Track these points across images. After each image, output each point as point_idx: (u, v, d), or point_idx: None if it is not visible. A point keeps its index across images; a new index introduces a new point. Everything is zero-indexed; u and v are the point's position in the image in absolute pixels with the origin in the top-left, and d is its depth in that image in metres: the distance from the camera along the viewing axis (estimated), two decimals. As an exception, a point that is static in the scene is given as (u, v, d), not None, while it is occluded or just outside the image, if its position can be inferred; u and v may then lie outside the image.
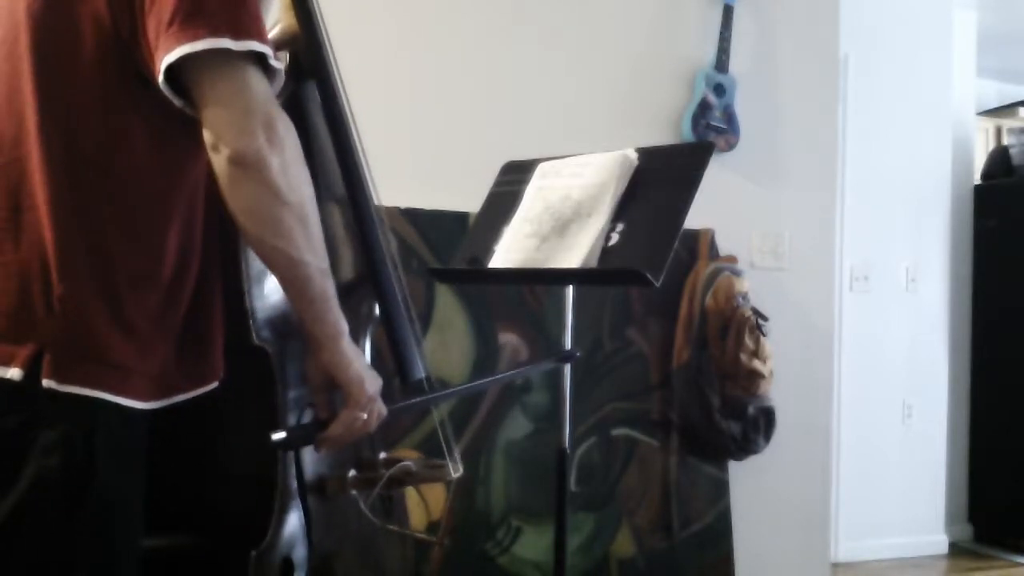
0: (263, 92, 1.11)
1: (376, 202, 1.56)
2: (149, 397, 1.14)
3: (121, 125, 1.12)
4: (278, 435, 1.26)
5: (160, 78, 1.06)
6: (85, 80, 1.10)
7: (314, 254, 1.18)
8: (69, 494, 1.08)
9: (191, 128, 1.14)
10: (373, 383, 1.31)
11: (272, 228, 1.13)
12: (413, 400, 1.54)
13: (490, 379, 1.57)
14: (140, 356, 1.13)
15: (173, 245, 1.18)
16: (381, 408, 1.33)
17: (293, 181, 1.13)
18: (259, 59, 1.11)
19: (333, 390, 1.31)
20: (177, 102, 1.10)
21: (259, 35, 1.10)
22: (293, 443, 1.30)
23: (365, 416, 1.31)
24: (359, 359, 1.30)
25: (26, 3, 1.12)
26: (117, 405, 1.10)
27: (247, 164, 1.08)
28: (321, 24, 1.51)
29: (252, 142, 1.08)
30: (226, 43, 1.06)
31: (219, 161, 1.09)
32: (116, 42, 1.10)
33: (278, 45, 1.51)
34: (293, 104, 1.45)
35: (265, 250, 1.16)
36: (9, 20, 1.14)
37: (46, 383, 1.06)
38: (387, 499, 1.54)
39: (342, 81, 1.54)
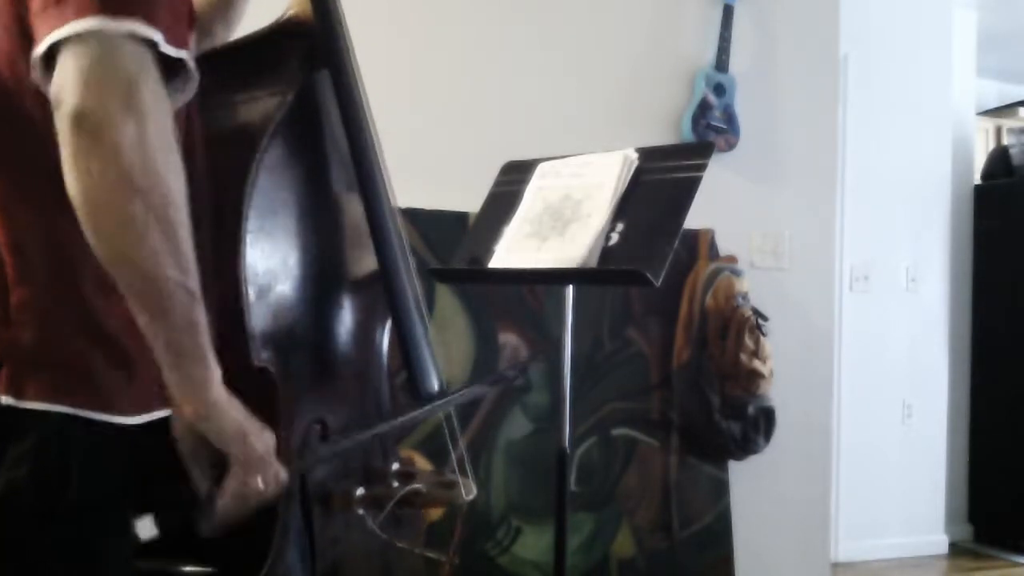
0: (135, 59, 0.89)
1: (393, 201, 1.47)
2: (126, 410, 1.04)
3: (44, 119, 0.97)
4: (148, 532, 1.05)
5: (37, 72, 0.91)
6: (5, 79, 1.00)
7: (179, 269, 0.93)
8: (40, 506, 0.99)
9: None
10: (260, 439, 1.08)
11: (117, 221, 0.88)
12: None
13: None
14: (118, 369, 1.02)
15: None
16: (279, 470, 1.11)
17: (152, 164, 0.89)
18: (153, 46, 0.92)
19: (206, 456, 1.08)
20: (44, 86, 0.93)
21: (147, 16, 0.90)
22: (171, 530, 1.08)
23: (260, 483, 1.08)
24: (237, 409, 1.05)
25: None
26: (88, 418, 1.00)
27: (90, 126, 0.86)
28: (337, 9, 1.44)
29: (100, 99, 0.86)
30: (94, 22, 0.87)
31: (59, 123, 0.88)
32: (22, 39, 0.97)
33: (290, 32, 1.43)
34: (306, 94, 1.37)
35: (107, 253, 0.91)
36: None
37: (4, 400, 0.96)
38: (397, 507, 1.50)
39: (359, 71, 1.47)
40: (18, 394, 0.97)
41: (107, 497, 1.03)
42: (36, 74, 0.91)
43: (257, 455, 1.07)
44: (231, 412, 1.04)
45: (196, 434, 1.04)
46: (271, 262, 1.25)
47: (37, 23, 0.90)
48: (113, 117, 0.86)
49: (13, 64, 0.97)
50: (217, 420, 1.03)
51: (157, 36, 0.90)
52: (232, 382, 1.11)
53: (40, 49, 0.89)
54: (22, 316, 0.98)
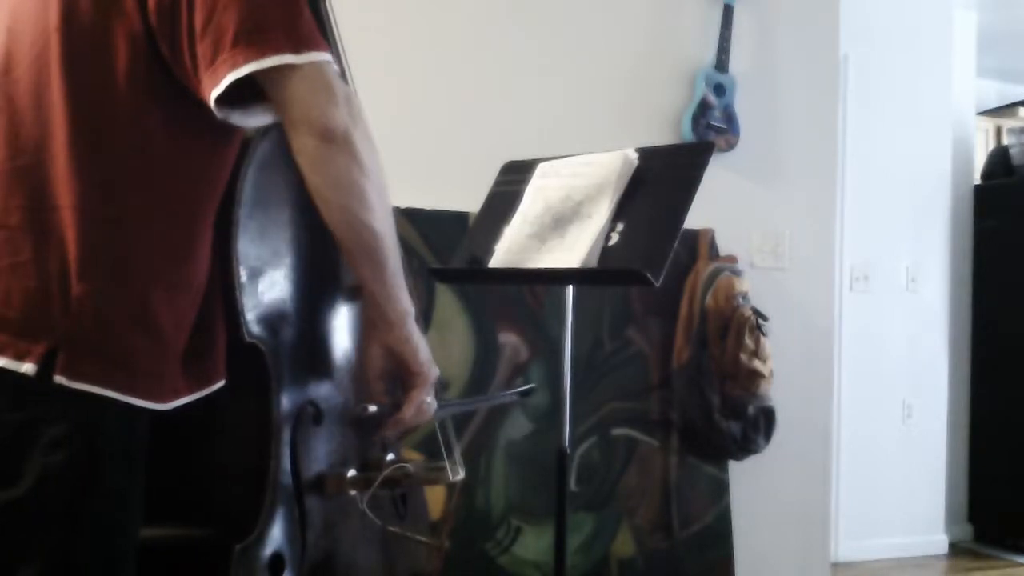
0: (336, 73, 1.17)
1: (405, 204, 1.55)
2: (160, 399, 1.16)
3: (151, 134, 1.14)
4: (372, 407, 1.34)
5: (218, 91, 1.10)
6: (117, 91, 1.12)
7: (391, 228, 1.24)
8: (74, 490, 1.09)
9: (221, 136, 1.19)
10: (435, 366, 1.36)
11: (360, 200, 1.18)
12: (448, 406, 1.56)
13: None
14: (159, 359, 1.15)
15: (204, 250, 1.21)
16: (433, 400, 1.38)
17: (371, 155, 1.19)
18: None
19: (393, 378, 1.34)
20: (220, 114, 1.13)
21: (319, 45, 1.15)
22: (372, 419, 1.36)
23: (431, 400, 1.35)
24: (423, 339, 1.34)
25: (59, 13, 1.14)
26: (126, 404, 1.11)
27: (337, 137, 1.14)
28: (333, 26, 1.52)
29: (340, 117, 1.14)
30: (288, 59, 1.11)
31: (309, 140, 1.14)
32: (151, 57, 1.12)
33: None
34: None
35: (353, 223, 1.19)
36: (37, 27, 1.16)
37: (57, 379, 1.07)
38: (401, 500, 1.52)
39: (350, 74, 1.53)
40: (71, 375, 1.08)
41: (132, 476, 1.15)
42: (213, 92, 1.09)
43: (434, 378, 1.35)
44: (423, 339, 1.33)
45: (390, 358, 1.32)
46: (262, 249, 1.33)
47: (231, 51, 1.08)
48: (349, 128, 1.15)
49: (130, 76, 1.12)
50: (416, 343, 1.31)
51: (330, 58, 1.17)
52: (227, 355, 1.26)
53: (234, 75, 1.08)
54: (82, 307, 1.10)
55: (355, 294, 1.48)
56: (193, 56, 1.11)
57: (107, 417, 1.11)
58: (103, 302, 1.10)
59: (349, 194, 1.17)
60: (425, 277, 2.64)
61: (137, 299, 1.13)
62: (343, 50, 1.53)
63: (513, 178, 1.85)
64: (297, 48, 1.11)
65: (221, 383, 1.27)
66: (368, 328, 1.33)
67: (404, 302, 1.29)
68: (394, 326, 1.29)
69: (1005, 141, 5.02)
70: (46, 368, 1.07)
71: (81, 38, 1.13)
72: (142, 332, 1.13)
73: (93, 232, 1.11)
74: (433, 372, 1.35)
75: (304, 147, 1.14)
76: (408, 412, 1.34)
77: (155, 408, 1.15)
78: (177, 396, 1.19)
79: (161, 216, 1.16)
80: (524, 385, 2.82)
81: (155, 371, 1.15)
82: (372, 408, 1.36)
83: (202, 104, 1.13)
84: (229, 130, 1.21)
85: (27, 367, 1.07)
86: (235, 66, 1.08)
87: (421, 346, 1.33)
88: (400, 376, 1.35)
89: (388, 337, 1.30)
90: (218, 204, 1.25)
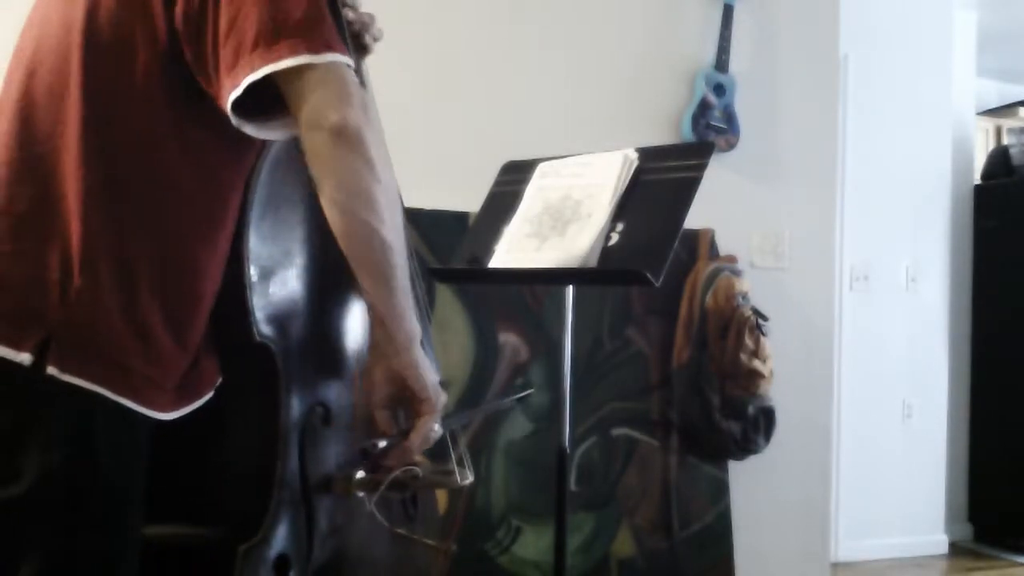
0: (354, 78, 1.15)
1: (405, 203, 1.54)
2: (155, 406, 1.15)
3: (162, 136, 1.14)
4: (382, 442, 1.26)
5: (237, 92, 1.09)
6: (132, 90, 1.13)
7: (400, 241, 1.19)
8: (73, 488, 1.09)
9: (236, 146, 1.19)
10: (442, 394, 1.29)
11: (367, 203, 1.14)
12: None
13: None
14: (153, 364, 1.14)
15: (211, 265, 1.20)
16: (439, 428, 1.30)
17: (385, 166, 1.16)
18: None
19: (396, 406, 1.28)
20: (235, 121, 1.13)
21: (339, 48, 1.14)
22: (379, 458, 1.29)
23: (438, 428, 1.27)
24: (429, 364, 1.27)
25: (84, 8, 1.14)
26: (121, 405, 1.10)
27: (349, 136, 1.11)
28: (346, 25, 1.51)
29: (354, 115, 1.11)
30: (305, 59, 1.10)
31: (320, 137, 1.11)
32: (171, 60, 1.13)
33: None
34: None
35: (361, 230, 1.15)
36: (62, 20, 1.16)
37: (49, 370, 1.07)
38: (412, 501, 1.51)
39: (368, 75, 1.55)
40: (62, 367, 1.07)
41: (131, 476, 1.15)
42: (231, 94, 1.09)
43: (440, 405, 1.27)
44: (428, 363, 1.26)
45: (394, 384, 1.24)
46: (274, 249, 1.33)
47: (249, 56, 1.09)
48: (362, 128, 1.12)
49: (147, 77, 1.13)
50: (423, 370, 1.24)
51: (349, 61, 1.16)
52: (235, 355, 1.26)
53: (252, 77, 1.08)
54: (80, 299, 1.09)
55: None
56: (216, 61, 1.11)
57: (101, 417, 1.10)
58: (100, 297, 1.10)
59: (358, 197, 1.13)
60: (425, 277, 2.64)
61: (133, 299, 1.12)
62: (354, 45, 1.53)
63: (513, 178, 1.85)
64: (316, 50, 1.10)
65: (218, 382, 1.26)
66: (372, 351, 1.26)
67: (412, 322, 1.23)
68: (400, 350, 1.22)
69: (1005, 141, 5.02)
70: (40, 358, 1.07)
71: (103, 34, 1.13)
72: (135, 333, 1.12)
73: (95, 227, 1.10)
74: (441, 398, 1.28)
75: (314, 144, 1.12)
76: (416, 442, 1.26)
77: (150, 415, 1.14)
78: (182, 405, 1.19)
79: (165, 220, 1.15)
80: (523, 385, 2.82)
81: (149, 376, 1.14)
82: (382, 443, 1.28)
83: (217, 111, 1.12)
84: (245, 142, 1.20)
85: (23, 357, 1.07)
86: (253, 69, 1.08)
87: (428, 371, 1.26)
88: (405, 404, 1.28)
89: (393, 362, 1.23)
90: (229, 220, 1.23)
